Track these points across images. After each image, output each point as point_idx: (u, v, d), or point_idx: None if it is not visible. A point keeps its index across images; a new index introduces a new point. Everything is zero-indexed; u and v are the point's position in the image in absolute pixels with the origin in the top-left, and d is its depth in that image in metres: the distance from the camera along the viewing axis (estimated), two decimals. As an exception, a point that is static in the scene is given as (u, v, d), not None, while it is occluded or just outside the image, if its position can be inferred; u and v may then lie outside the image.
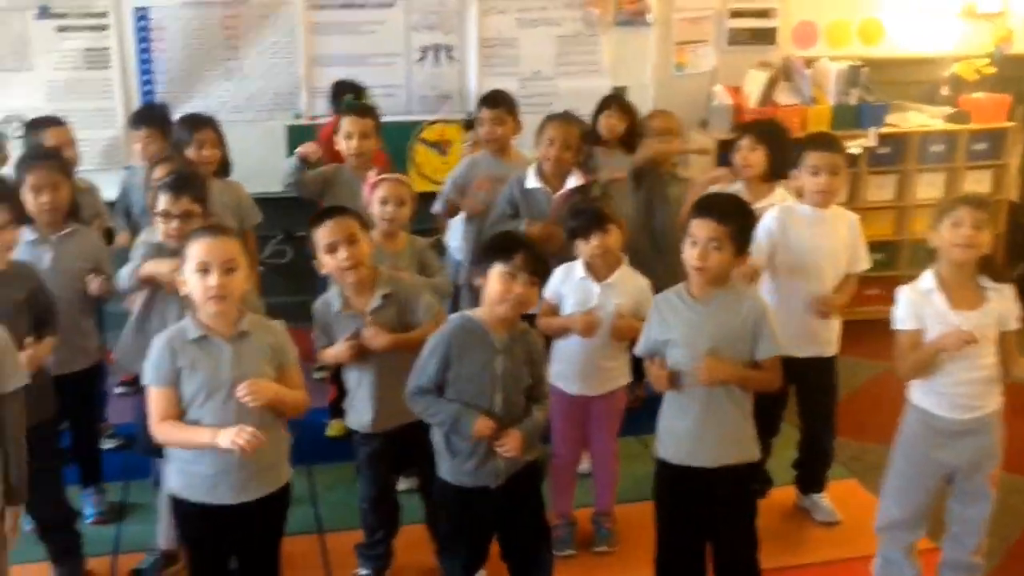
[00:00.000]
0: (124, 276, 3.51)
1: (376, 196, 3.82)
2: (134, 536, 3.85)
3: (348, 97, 5.11)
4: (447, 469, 3.10)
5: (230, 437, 2.68)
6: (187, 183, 3.53)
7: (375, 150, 4.66)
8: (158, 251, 3.45)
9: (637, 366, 3.61)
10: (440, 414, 3.01)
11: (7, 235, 3.24)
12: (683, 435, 3.14)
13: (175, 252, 3.12)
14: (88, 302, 3.80)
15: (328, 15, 5.77)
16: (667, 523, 3.26)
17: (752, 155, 4.21)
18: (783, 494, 4.14)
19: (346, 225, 3.31)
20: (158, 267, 3.37)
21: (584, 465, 3.97)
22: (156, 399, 2.81)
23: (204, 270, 2.77)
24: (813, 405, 4.02)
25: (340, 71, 5.62)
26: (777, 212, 3.87)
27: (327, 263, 3.33)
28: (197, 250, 2.80)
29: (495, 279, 2.98)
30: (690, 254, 3.04)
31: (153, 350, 2.84)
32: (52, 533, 3.48)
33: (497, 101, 4.66)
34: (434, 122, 5.94)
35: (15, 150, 4.75)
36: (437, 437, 3.11)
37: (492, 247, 3.07)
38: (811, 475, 4.12)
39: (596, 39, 6.07)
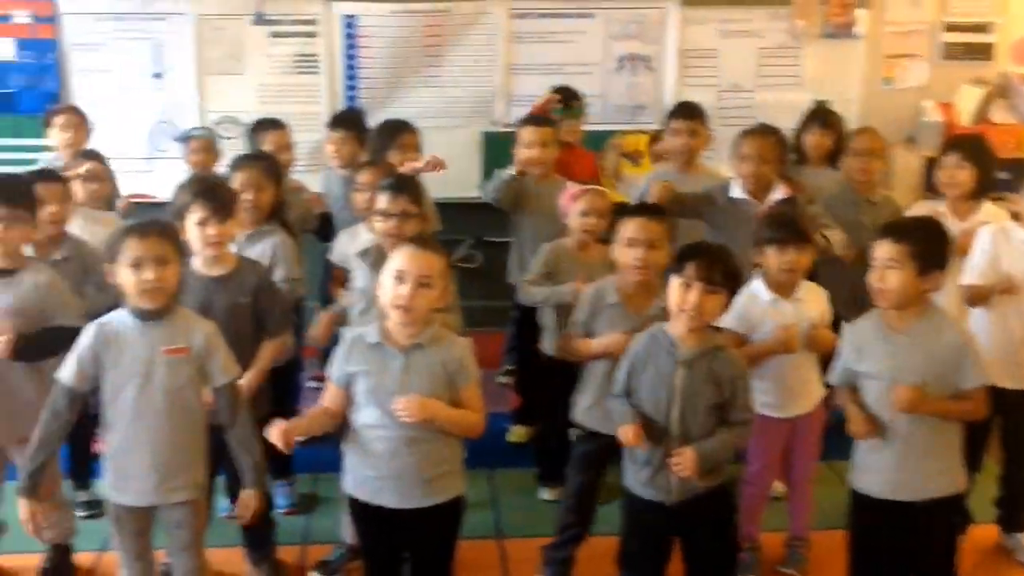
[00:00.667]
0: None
1: (576, 207, 3.80)
2: (322, 528, 3.96)
3: (575, 104, 5.12)
4: (629, 476, 3.07)
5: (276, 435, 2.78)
6: (406, 184, 3.63)
7: (584, 156, 4.65)
8: (377, 255, 3.51)
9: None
10: (612, 414, 3.00)
11: (219, 231, 3.34)
12: (883, 467, 3.01)
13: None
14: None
15: (528, 24, 5.82)
16: (863, 556, 3.13)
17: (959, 173, 4.02)
18: (983, 532, 3.90)
19: (652, 228, 3.34)
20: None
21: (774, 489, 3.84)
22: (328, 392, 2.94)
23: (399, 279, 2.81)
24: (1020, 440, 3.78)
25: (538, 79, 5.65)
26: (992, 231, 3.66)
27: (620, 256, 3.36)
28: (399, 258, 2.84)
29: (672, 291, 2.93)
30: (871, 277, 2.93)
31: (339, 347, 2.93)
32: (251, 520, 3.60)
33: (693, 111, 4.59)
34: (629, 132, 5.90)
35: (227, 151, 5.00)
36: None
37: (674, 260, 3.02)
38: (1014, 513, 3.88)
39: (799, 51, 5.91)
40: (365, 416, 2.85)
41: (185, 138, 4.97)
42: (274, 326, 3.48)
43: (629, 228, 3.36)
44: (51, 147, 4.97)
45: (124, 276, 2.87)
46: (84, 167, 4.32)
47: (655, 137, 5.20)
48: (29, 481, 2.92)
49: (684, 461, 2.88)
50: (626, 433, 2.92)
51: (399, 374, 2.81)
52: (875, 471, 3.03)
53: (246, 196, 3.81)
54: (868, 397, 3.01)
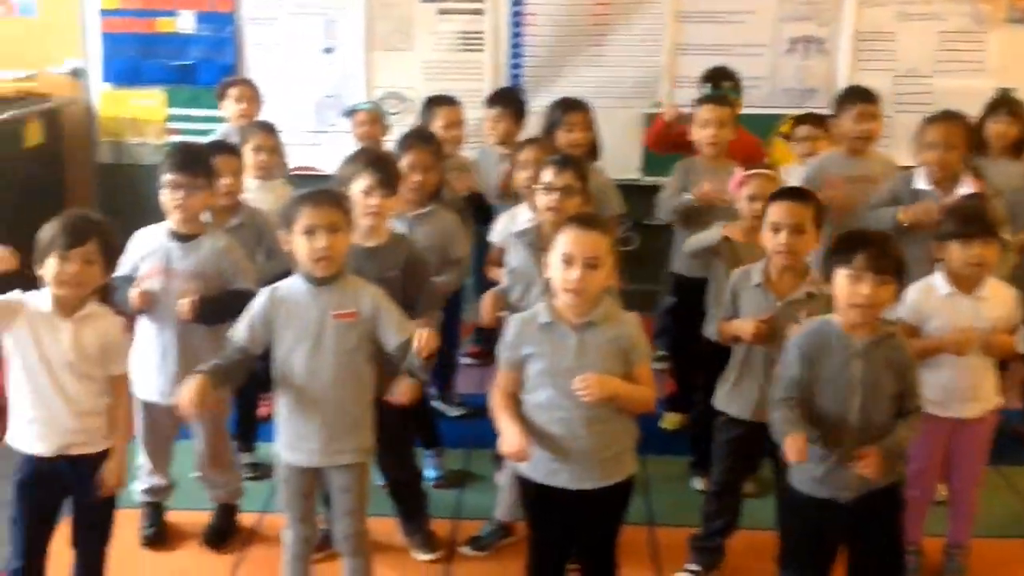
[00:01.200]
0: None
1: (745, 192, 3.71)
2: (474, 503, 3.98)
3: (727, 84, 4.97)
4: (796, 475, 2.97)
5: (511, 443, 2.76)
6: (571, 160, 3.63)
7: (747, 139, 4.55)
8: (536, 235, 3.51)
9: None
10: (777, 429, 2.89)
11: (381, 202, 3.38)
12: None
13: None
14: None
15: (697, 3, 5.73)
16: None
17: None
18: None
19: (798, 212, 3.28)
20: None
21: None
22: (501, 375, 2.91)
23: (567, 262, 2.78)
24: None
25: (703, 60, 5.51)
26: None
27: (766, 240, 3.31)
28: (564, 240, 2.81)
29: (840, 283, 2.82)
30: None
31: (507, 330, 2.92)
32: (400, 490, 3.69)
33: (871, 95, 4.42)
34: (797, 117, 5.72)
35: (393, 126, 5.07)
36: None
37: (833, 248, 2.91)
38: None
39: (983, 36, 5.64)
40: (539, 397, 2.83)
41: (351, 112, 5.05)
42: (423, 303, 3.49)
43: (774, 212, 3.29)
44: (225, 118, 5.13)
45: (298, 243, 2.94)
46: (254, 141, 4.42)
47: (801, 120, 5.01)
48: (212, 367, 2.93)
49: (869, 462, 2.78)
50: (792, 446, 2.81)
51: (574, 353, 2.79)
52: None
53: (414, 177, 3.85)
54: None
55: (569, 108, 4.59)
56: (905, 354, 2.89)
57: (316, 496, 3.17)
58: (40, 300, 2.87)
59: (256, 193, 4.23)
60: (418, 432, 4.07)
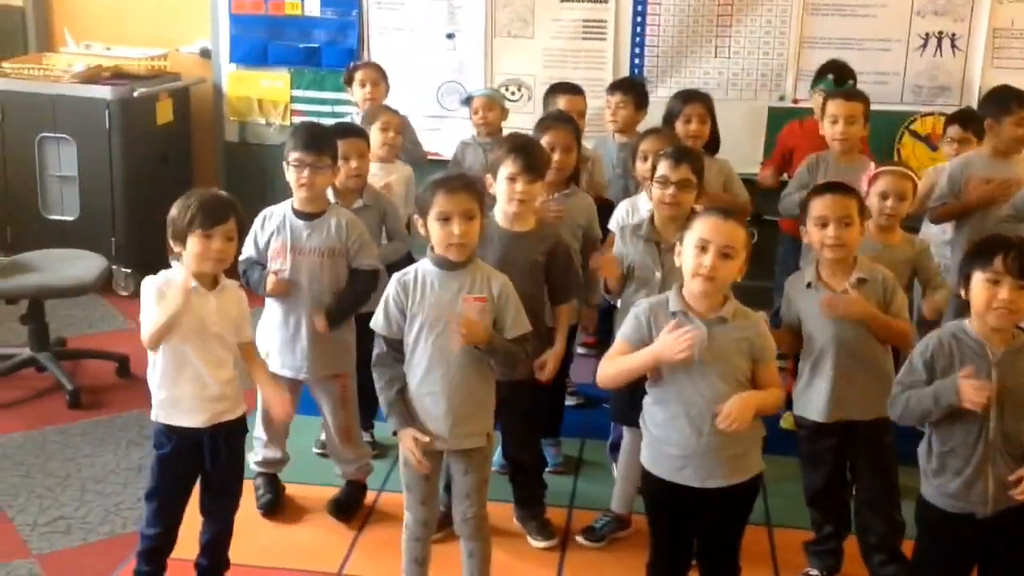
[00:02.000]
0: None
1: (876, 189, 3.62)
2: (588, 493, 3.98)
3: (828, 78, 4.88)
4: (929, 488, 2.87)
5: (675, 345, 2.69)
6: (687, 153, 3.58)
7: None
8: (649, 229, 3.50)
9: None
10: (921, 402, 2.76)
11: (526, 188, 3.39)
12: None
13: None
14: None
15: (827, -4, 5.59)
16: None
17: None
18: None
19: (844, 205, 3.23)
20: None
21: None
22: (617, 349, 2.88)
23: (702, 248, 2.75)
24: None
25: (830, 54, 5.40)
26: None
27: (813, 236, 3.28)
28: (701, 227, 2.78)
29: (977, 288, 2.72)
30: None
31: (633, 310, 2.90)
32: (521, 476, 3.71)
33: None
34: (927, 114, 5.57)
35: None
36: (921, 449, 2.89)
37: (971, 252, 2.81)
38: None
39: None
40: (665, 388, 2.81)
41: (468, 99, 5.06)
42: (566, 289, 3.52)
43: (817, 206, 3.25)
44: (351, 101, 5.18)
45: (432, 229, 2.96)
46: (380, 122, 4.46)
47: (952, 120, 4.86)
48: (398, 415, 3.03)
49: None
50: (969, 390, 2.63)
51: (703, 346, 2.74)
52: None
53: (555, 157, 3.86)
54: None
55: (688, 99, 4.55)
56: None
57: (438, 478, 3.19)
58: (180, 276, 2.93)
59: (377, 175, 4.28)
60: (548, 419, 4.08)
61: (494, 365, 3.03)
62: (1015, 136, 4.28)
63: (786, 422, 4.49)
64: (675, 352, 2.70)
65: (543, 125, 4.00)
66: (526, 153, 3.41)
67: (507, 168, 3.38)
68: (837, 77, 4.88)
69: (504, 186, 3.39)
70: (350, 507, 3.78)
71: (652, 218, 3.54)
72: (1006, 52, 5.50)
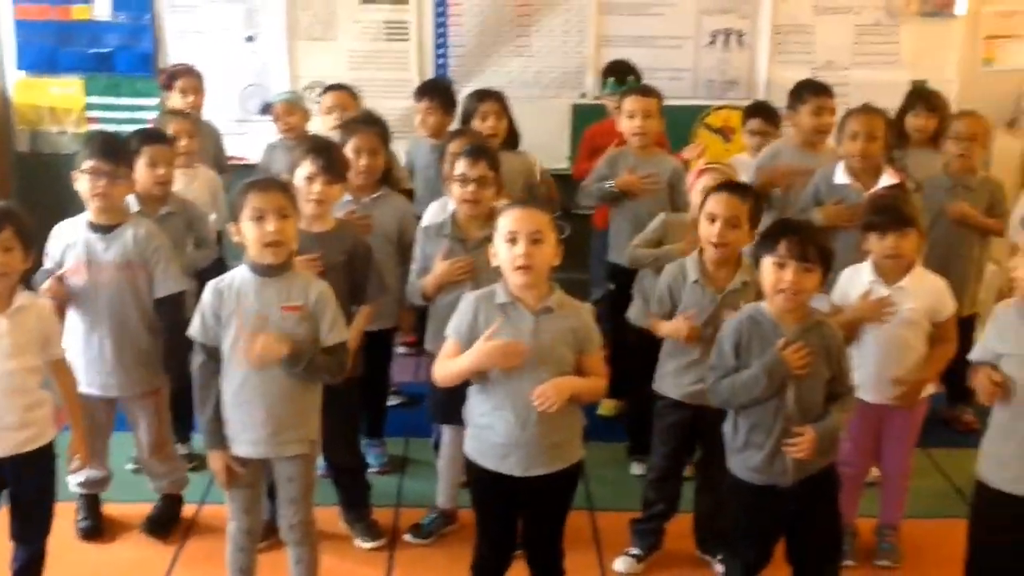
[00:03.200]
0: (415, 286, 3.62)
1: (701, 184, 3.76)
2: (414, 491, 4.00)
3: (631, 79, 5.02)
4: (737, 463, 3.03)
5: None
6: (483, 151, 3.62)
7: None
8: (454, 226, 3.53)
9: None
10: (746, 383, 2.91)
11: (324, 189, 3.39)
12: (1009, 458, 2.94)
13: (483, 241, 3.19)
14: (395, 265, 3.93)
15: (619, -5, 5.78)
16: (984, 548, 3.05)
17: None
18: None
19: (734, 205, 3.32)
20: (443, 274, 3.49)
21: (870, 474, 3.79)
22: (449, 349, 2.89)
23: (512, 240, 2.79)
24: None
25: (627, 52, 5.58)
26: None
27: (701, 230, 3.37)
28: (506, 221, 2.82)
29: (766, 271, 2.89)
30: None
31: (462, 305, 2.92)
32: (344, 478, 3.68)
33: (828, 89, 4.52)
34: (720, 108, 5.84)
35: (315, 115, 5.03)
36: (727, 428, 3.05)
37: (760, 239, 2.99)
38: None
39: (897, 29, 5.80)
40: (495, 376, 2.83)
41: (266, 107, 5.00)
42: (368, 290, 3.52)
43: (712, 203, 3.34)
44: (149, 107, 5.03)
45: (246, 229, 2.91)
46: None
47: (752, 112, 5.10)
48: (211, 435, 2.98)
49: (803, 443, 2.86)
50: (788, 351, 2.84)
51: (530, 335, 2.80)
52: (1000, 462, 2.97)
53: (362, 161, 3.85)
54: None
55: (481, 98, 4.62)
56: (836, 339, 2.96)
57: (261, 486, 3.14)
58: None
59: (180, 180, 4.16)
60: (370, 420, 4.07)
61: (303, 375, 2.98)
62: (812, 125, 4.49)
63: (603, 408, 4.64)
64: (502, 364, 2.76)
65: (349, 128, 3.99)
66: (325, 154, 3.42)
67: (305, 168, 3.38)
68: (618, 78, 5.01)
69: (302, 186, 3.38)
70: (166, 523, 3.68)
71: (455, 217, 3.58)
72: (787, 47, 5.82)
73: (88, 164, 3.34)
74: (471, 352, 2.80)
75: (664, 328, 3.44)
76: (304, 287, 2.96)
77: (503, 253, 2.82)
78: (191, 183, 4.29)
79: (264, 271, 2.93)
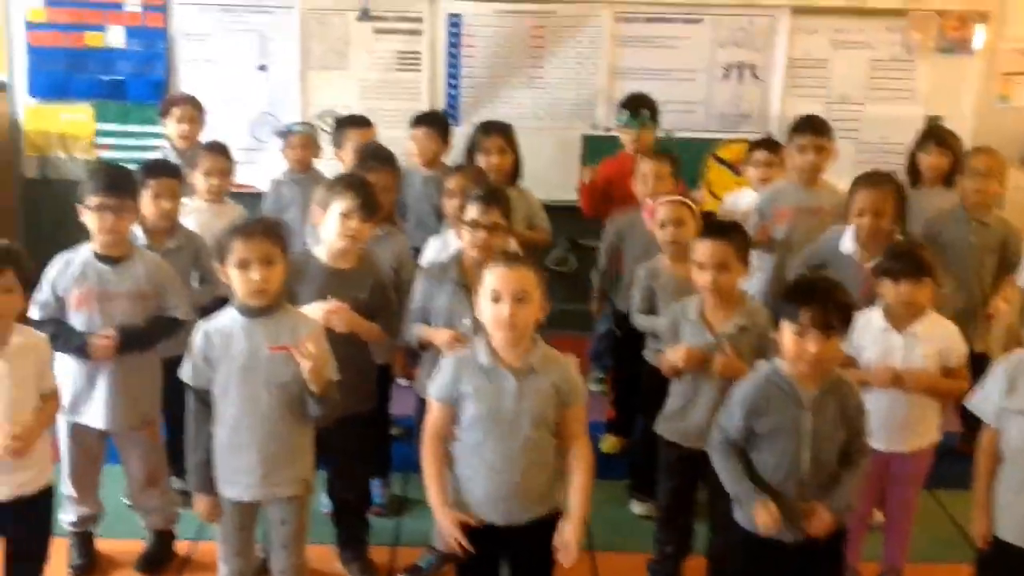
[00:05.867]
0: (411, 331, 3.53)
1: (656, 220, 3.75)
2: (412, 531, 3.92)
3: (644, 111, 4.96)
4: (741, 514, 2.95)
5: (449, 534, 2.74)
6: (497, 197, 3.52)
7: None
8: (460, 272, 3.45)
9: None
10: (729, 483, 2.90)
11: (359, 227, 3.36)
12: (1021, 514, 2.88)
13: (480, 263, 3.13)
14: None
15: (634, 28, 5.77)
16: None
17: None
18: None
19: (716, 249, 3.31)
20: (436, 336, 3.39)
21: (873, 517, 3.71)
22: (435, 412, 2.81)
23: (496, 299, 2.71)
24: None
25: (640, 84, 5.58)
26: None
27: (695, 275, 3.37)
28: (492, 279, 2.73)
29: (786, 336, 2.79)
30: None
31: (443, 367, 2.83)
32: (348, 517, 3.62)
33: (823, 127, 4.45)
34: (731, 140, 5.80)
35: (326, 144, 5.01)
36: None
37: (782, 297, 2.87)
38: None
39: (913, 65, 5.76)
40: (475, 437, 2.76)
41: (285, 133, 4.97)
42: (384, 326, 3.47)
43: (698, 250, 3.33)
44: (160, 135, 5.02)
45: (232, 275, 2.88)
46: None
47: (757, 145, 5.05)
48: (199, 478, 2.95)
49: (819, 526, 2.82)
50: (765, 517, 2.81)
51: (513, 398, 2.72)
52: (1012, 514, 2.91)
53: (380, 199, 3.80)
54: (1010, 433, 2.89)
55: (488, 131, 4.60)
56: (855, 399, 2.87)
57: (254, 529, 3.10)
58: None
59: (205, 216, 4.17)
60: (376, 458, 4.01)
61: (317, 411, 2.93)
62: (797, 163, 4.44)
63: (605, 445, 4.58)
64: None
65: (367, 166, 3.93)
66: (364, 192, 3.39)
67: (342, 204, 3.34)
68: (632, 111, 4.94)
69: (337, 222, 3.34)
70: (159, 560, 3.63)
71: (459, 260, 3.49)
72: (801, 81, 5.78)
73: (94, 200, 3.31)
74: (440, 511, 2.75)
75: (666, 360, 3.39)
76: (293, 327, 2.92)
77: (487, 311, 2.74)
78: (216, 218, 4.23)
79: (252, 312, 2.91)
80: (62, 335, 3.28)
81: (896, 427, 3.38)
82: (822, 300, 2.74)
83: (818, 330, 2.72)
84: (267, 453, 2.92)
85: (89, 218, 3.34)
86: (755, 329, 3.30)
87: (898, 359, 3.33)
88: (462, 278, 3.42)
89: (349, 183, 3.43)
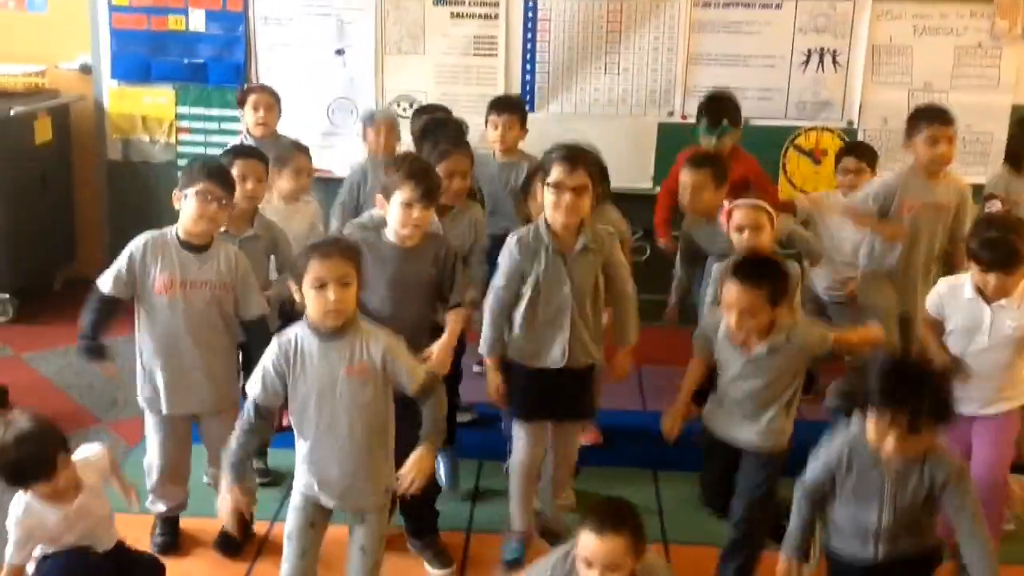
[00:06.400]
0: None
1: (732, 224, 3.75)
2: (488, 516, 3.93)
3: (724, 122, 4.71)
4: (833, 536, 2.96)
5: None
6: (582, 155, 3.39)
7: (743, 160, 4.55)
8: (551, 243, 3.43)
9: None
10: (791, 530, 2.94)
11: (422, 215, 3.38)
12: None
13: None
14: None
15: (713, 13, 5.67)
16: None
17: None
18: None
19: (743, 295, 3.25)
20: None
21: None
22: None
23: (588, 564, 2.58)
24: None
25: (718, 71, 5.56)
26: None
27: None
28: (584, 546, 2.58)
29: (870, 424, 2.69)
30: None
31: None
32: (416, 507, 3.58)
33: (946, 116, 4.26)
34: (811, 129, 5.71)
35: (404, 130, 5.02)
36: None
37: (864, 385, 2.73)
38: None
39: (999, 52, 5.60)
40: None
41: (370, 118, 4.98)
42: (455, 297, 3.53)
43: (725, 292, 3.25)
44: (239, 118, 5.08)
45: (307, 296, 2.87)
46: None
47: (848, 151, 4.93)
48: (236, 471, 2.98)
49: None
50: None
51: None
52: None
53: (455, 184, 3.86)
54: None
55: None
56: (948, 468, 2.74)
57: (323, 529, 3.09)
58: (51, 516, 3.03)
59: (282, 213, 4.23)
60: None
61: (435, 411, 2.98)
62: (928, 155, 4.25)
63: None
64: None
65: (443, 151, 3.90)
66: (425, 180, 3.38)
67: (404, 194, 3.35)
68: (711, 121, 4.72)
69: (399, 211, 3.36)
70: (237, 541, 3.67)
71: (548, 227, 3.39)
72: (885, 68, 5.66)
73: (203, 185, 3.37)
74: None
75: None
76: (366, 344, 2.91)
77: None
78: (292, 216, 4.30)
79: (326, 335, 2.89)
80: (89, 327, 3.41)
81: (983, 397, 3.41)
82: (912, 396, 2.61)
83: (900, 429, 2.62)
84: (347, 471, 2.95)
85: (189, 203, 3.39)
86: (786, 347, 3.26)
87: (986, 328, 3.34)
88: (557, 246, 3.39)
89: (410, 172, 3.39)
